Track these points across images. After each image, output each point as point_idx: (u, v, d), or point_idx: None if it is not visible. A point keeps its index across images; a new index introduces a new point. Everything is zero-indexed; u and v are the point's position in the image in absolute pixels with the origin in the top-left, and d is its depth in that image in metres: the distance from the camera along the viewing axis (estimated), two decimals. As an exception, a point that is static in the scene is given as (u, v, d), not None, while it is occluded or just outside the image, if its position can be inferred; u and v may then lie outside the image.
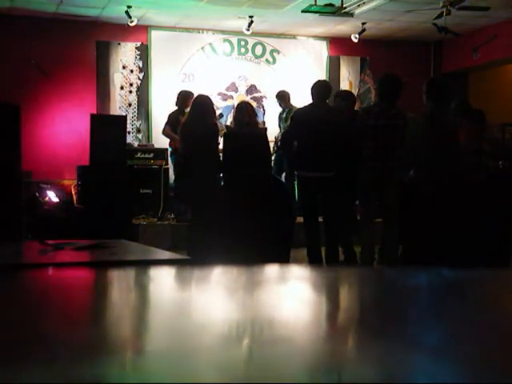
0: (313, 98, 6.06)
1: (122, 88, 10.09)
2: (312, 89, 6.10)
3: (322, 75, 10.54)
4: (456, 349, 0.61)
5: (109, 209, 7.21)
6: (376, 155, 5.55)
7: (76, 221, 7.30)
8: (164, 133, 8.45)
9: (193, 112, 6.28)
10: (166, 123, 8.41)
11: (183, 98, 8.37)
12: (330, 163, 5.79)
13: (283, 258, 2.32)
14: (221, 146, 6.47)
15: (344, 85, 10.64)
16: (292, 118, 6.22)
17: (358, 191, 5.84)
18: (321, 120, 5.79)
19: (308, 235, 5.94)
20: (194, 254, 2.43)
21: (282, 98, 8.91)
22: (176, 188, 6.62)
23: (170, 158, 8.67)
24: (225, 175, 6.12)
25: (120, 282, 1.12)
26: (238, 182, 2.55)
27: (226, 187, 2.55)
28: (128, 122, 9.15)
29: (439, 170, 5.32)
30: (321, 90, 6.07)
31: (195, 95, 8.39)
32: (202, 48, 10.39)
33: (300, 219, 5.94)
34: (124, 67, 10.10)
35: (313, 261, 5.85)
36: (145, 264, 2.15)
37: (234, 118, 6.34)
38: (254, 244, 2.33)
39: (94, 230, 6.56)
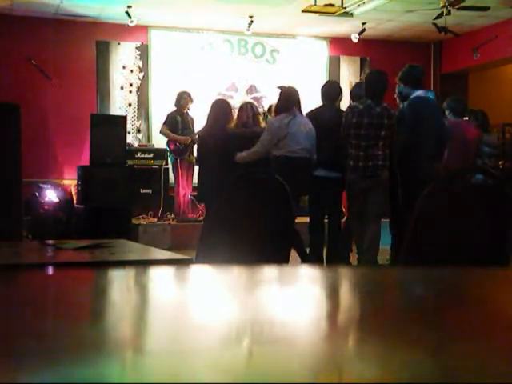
0: (322, 99, 6.06)
1: (122, 88, 10.09)
2: (321, 90, 6.10)
3: (322, 75, 10.55)
4: (456, 349, 0.61)
5: (109, 209, 7.22)
6: (359, 154, 5.46)
7: (76, 221, 7.30)
8: (161, 132, 8.49)
9: (208, 116, 6.47)
10: (164, 123, 8.46)
11: (179, 98, 8.43)
12: (338, 164, 5.78)
13: (283, 259, 2.32)
14: None
15: (344, 85, 10.64)
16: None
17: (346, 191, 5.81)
18: (330, 121, 5.79)
19: (312, 235, 5.94)
20: (202, 253, 2.43)
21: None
22: (197, 188, 6.80)
23: (169, 158, 8.69)
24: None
25: (120, 282, 1.12)
26: (238, 181, 2.55)
27: (226, 187, 2.55)
28: (128, 121, 9.15)
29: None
30: (329, 90, 6.07)
31: (190, 96, 8.49)
32: (202, 48, 10.40)
33: (299, 219, 5.94)
34: (124, 67, 10.10)
35: (314, 260, 5.85)
36: (145, 264, 2.15)
37: (236, 118, 6.40)
38: (254, 244, 2.33)
39: (93, 230, 6.57)
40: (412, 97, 5.52)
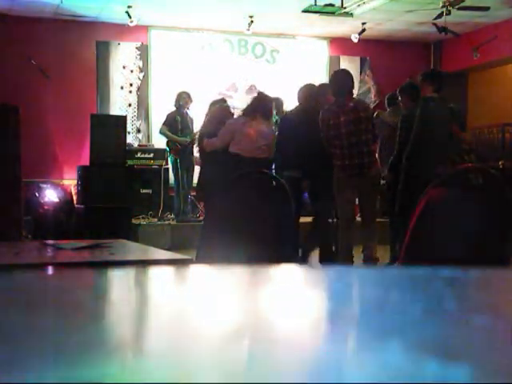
0: (300, 101, 6.12)
1: (122, 88, 10.09)
2: (299, 93, 6.21)
3: (322, 75, 10.55)
4: (456, 349, 0.61)
5: (109, 209, 7.21)
6: (343, 153, 5.47)
7: (76, 221, 7.30)
8: (161, 132, 8.50)
9: (206, 115, 6.64)
10: (164, 123, 8.47)
11: (179, 98, 8.44)
12: (317, 164, 5.81)
13: (289, 258, 2.33)
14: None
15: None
16: (281, 120, 6.35)
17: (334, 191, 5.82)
18: (307, 122, 5.84)
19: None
20: (202, 253, 2.44)
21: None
22: (198, 187, 6.92)
23: (168, 158, 8.70)
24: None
25: (120, 282, 1.12)
26: (237, 181, 2.56)
27: (226, 186, 2.55)
28: (128, 121, 9.16)
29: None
30: (307, 92, 6.14)
31: (190, 96, 8.51)
32: (202, 48, 10.40)
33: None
34: (124, 67, 10.10)
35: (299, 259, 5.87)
36: (145, 264, 2.15)
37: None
38: (254, 243, 2.34)
39: (93, 230, 6.56)
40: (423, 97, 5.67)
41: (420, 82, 5.90)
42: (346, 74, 5.82)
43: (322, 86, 6.33)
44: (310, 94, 6.12)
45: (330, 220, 6.11)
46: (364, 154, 5.47)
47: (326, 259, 5.90)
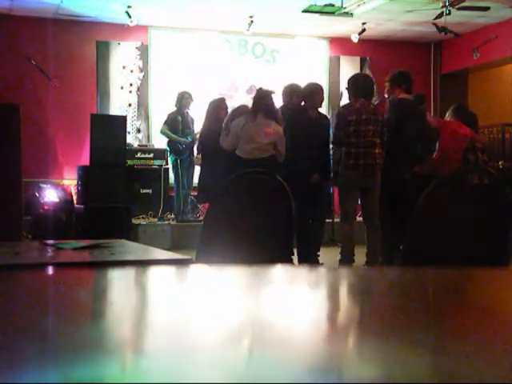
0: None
1: (122, 88, 10.09)
2: (282, 92, 6.22)
3: (322, 75, 10.55)
4: (456, 349, 0.61)
5: (109, 209, 7.22)
6: (359, 152, 5.47)
7: (76, 221, 7.30)
8: (162, 132, 8.49)
9: (206, 116, 6.69)
10: (165, 122, 8.46)
11: (181, 98, 8.43)
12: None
13: (285, 258, 2.33)
14: None
15: (344, 85, 10.63)
16: (286, 120, 6.34)
17: (339, 190, 5.81)
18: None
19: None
20: (202, 253, 2.44)
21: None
22: (198, 186, 6.99)
23: (169, 158, 8.70)
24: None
25: (120, 282, 1.12)
26: (237, 181, 2.56)
27: (226, 187, 2.55)
28: (128, 121, 9.15)
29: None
30: (291, 91, 6.16)
31: (191, 96, 8.51)
32: (202, 48, 10.39)
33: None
34: (124, 67, 10.10)
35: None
36: (145, 264, 2.15)
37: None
38: (254, 243, 2.34)
39: (93, 230, 6.56)
40: (394, 98, 5.72)
41: (388, 87, 5.88)
42: (367, 78, 5.99)
43: (295, 86, 6.29)
44: (292, 93, 6.14)
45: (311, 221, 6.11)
46: (376, 156, 5.49)
47: (308, 259, 5.88)
